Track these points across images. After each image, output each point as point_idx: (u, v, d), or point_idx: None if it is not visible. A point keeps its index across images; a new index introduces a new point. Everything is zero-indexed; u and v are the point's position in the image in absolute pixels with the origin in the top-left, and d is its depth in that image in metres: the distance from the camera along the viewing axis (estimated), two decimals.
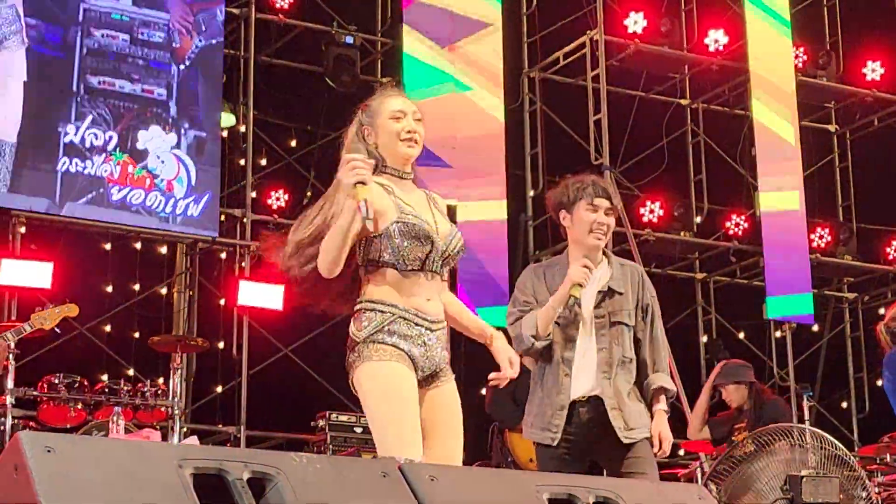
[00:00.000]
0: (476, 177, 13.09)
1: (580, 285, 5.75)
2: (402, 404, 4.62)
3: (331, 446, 10.96)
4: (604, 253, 6.07)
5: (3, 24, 11.39)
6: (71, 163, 11.45)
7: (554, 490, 3.74)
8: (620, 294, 5.95)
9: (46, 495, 2.94)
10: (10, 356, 9.37)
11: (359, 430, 11.06)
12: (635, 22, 14.31)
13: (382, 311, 4.72)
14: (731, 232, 14.85)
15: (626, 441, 5.75)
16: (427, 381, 4.77)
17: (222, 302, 12.92)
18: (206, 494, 3.21)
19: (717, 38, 14.91)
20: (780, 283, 14.14)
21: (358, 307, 4.79)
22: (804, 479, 6.88)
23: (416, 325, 4.72)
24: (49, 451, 3.04)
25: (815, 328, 15.28)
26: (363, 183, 4.55)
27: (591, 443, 5.81)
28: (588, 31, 14.21)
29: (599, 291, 5.92)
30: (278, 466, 3.35)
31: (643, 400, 5.90)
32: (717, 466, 7.84)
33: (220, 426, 12.64)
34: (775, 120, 14.61)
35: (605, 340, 5.88)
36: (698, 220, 15.00)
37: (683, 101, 15.71)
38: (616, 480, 4.16)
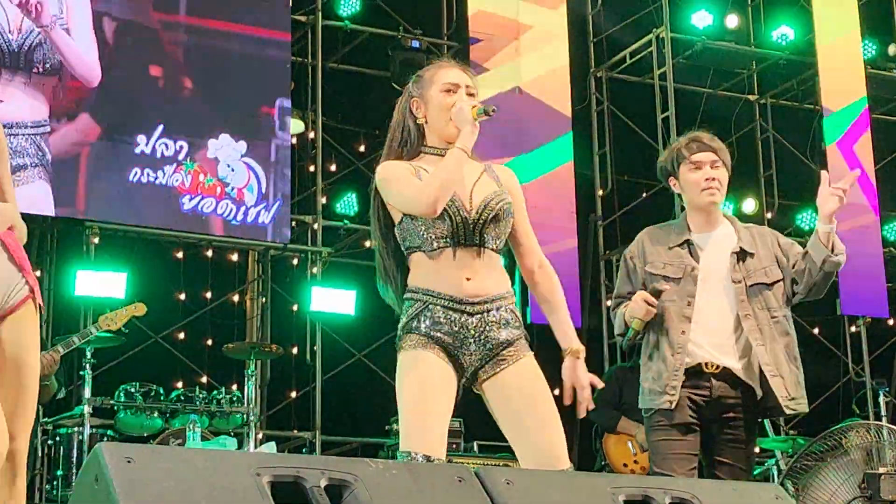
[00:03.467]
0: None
1: (641, 319, 5.51)
2: (423, 399, 4.43)
3: None
4: (727, 217, 5.80)
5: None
6: (143, 173, 11.54)
7: (630, 492, 3.74)
8: (752, 255, 5.62)
9: None
10: (88, 365, 9.48)
11: None
12: (701, 18, 14.26)
13: (416, 300, 4.54)
14: (803, 227, 14.74)
15: (788, 412, 5.47)
16: (485, 368, 4.54)
17: (295, 308, 12.98)
18: (284, 502, 3.24)
19: (784, 33, 14.83)
20: (853, 277, 14.00)
21: (405, 297, 4.63)
22: (882, 477, 6.82)
23: (451, 310, 4.49)
24: (129, 461, 3.08)
25: (891, 322, 15.13)
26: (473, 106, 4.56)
27: (716, 425, 5.53)
28: (654, 29, 14.17)
29: (732, 253, 5.62)
30: (355, 473, 3.37)
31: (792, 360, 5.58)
32: (793, 464, 7.80)
33: (295, 432, 12.71)
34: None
35: (747, 307, 5.54)
36: (769, 215, 14.89)
37: (752, 97, 15.63)
38: (692, 481, 4.15)
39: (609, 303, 6.10)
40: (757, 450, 12.09)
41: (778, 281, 5.64)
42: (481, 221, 4.56)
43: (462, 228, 4.54)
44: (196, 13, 12.21)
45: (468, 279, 4.53)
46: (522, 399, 4.52)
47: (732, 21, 14.56)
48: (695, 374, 5.54)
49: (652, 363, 5.62)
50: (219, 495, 3.13)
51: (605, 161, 14.51)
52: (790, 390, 5.50)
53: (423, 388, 4.44)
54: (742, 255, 5.63)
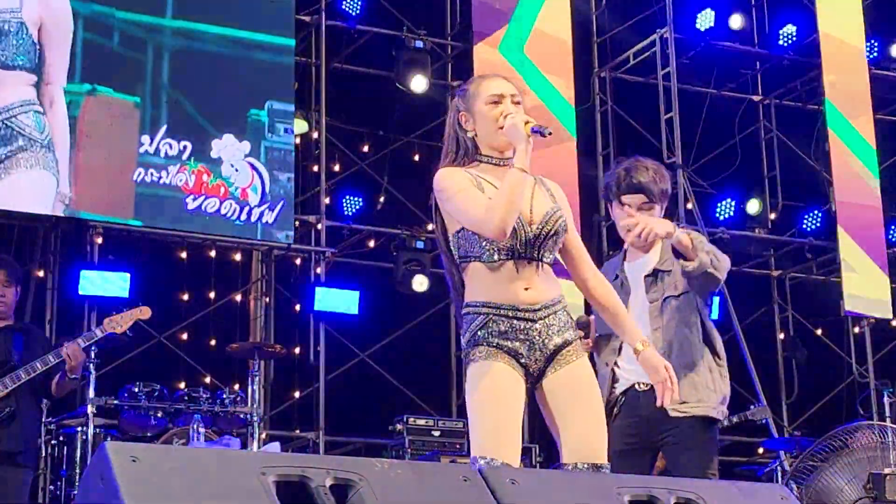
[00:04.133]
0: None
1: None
2: (496, 405, 4.53)
3: (409, 450, 10.97)
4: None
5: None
6: (146, 173, 11.53)
7: (635, 492, 3.73)
8: (668, 272, 5.68)
9: None
10: (91, 365, 9.46)
11: (437, 433, 11.09)
12: (705, 19, 14.25)
13: (478, 313, 4.62)
14: (806, 228, 14.73)
15: (672, 414, 5.50)
16: (544, 370, 4.63)
17: (298, 308, 12.97)
18: (289, 501, 3.23)
19: (788, 33, 14.82)
20: (856, 279, 14.00)
21: (463, 311, 4.71)
22: (887, 477, 6.82)
23: (515, 319, 4.59)
24: (134, 460, 3.08)
25: (895, 323, 15.11)
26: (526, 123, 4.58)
27: (655, 432, 5.60)
28: (658, 30, 14.16)
29: (646, 276, 5.70)
30: (360, 473, 3.37)
31: (709, 366, 5.64)
32: (798, 465, 7.79)
33: (298, 432, 12.70)
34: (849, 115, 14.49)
35: (658, 321, 5.64)
36: (773, 216, 14.88)
37: (755, 98, 15.62)
38: (697, 482, 4.14)
39: None
40: (760, 451, 12.15)
41: (686, 291, 5.69)
42: (542, 237, 4.66)
43: (524, 243, 4.63)
44: (190, 16, 12.18)
45: (526, 289, 4.63)
46: (571, 394, 4.63)
47: (736, 21, 14.53)
48: (630, 396, 5.66)
49: None
50: (224, 495, 3.13)
51: (608, 162, 14.48)
52: (680, 393, 5.43)
53: (496, 396, 4.54)
54: (657, 274, 5.72)
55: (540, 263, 4.67)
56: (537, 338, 4.61)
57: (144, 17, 11.97)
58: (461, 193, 4.62)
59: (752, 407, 9.68)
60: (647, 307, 5.68)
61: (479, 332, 4.60)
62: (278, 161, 12.18)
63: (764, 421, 9.90)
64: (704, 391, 5.60)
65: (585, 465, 4.53)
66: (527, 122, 4.59)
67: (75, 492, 9.31)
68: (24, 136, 11.07)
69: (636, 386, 5.62)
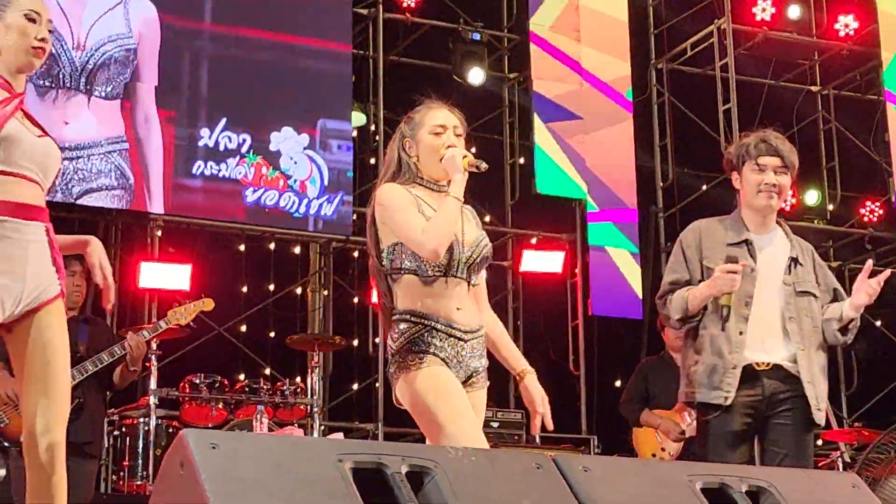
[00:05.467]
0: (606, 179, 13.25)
1: (728, 294, 5.50)
2: (458, 402, 4.68)
3: None
4: (779, 222, 5.85)
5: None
6: (206, 166, 11.61)
7: (706, 479, 3.74)
8: (802, 265, 5.71)
9: (213, 491, 3.01)
10: (153, 357, 9.52)
11: (495, 424, 11.09)
12: (763, 9, 14.19)
13: (414, 324, 4.77)
14: (865, 219, 14.64)
15: (815, 419, 5.54)
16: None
17: (356, 300, 13.01)
18: (365, 488, 3.26)
19: (846, 23, 14.72)
20: None
21: (393, 318, 4.85)
22: None
23: (449, 336, 4.76)
24: (214, 447, 3.12)
25: None
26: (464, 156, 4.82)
27: (771, 418, 5.57)
28: (715, 20, 14.11)
29: (789, 257, 5.71)
30: (435, 460, 3.39)
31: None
32: (867, 456, 7.77)
33: (357, 423, 12.73)
34: None
35: (793, 309, 5.62)
36: (831, 207, 14.80)
37: (814, 88, 15.52)
38: (769, 469, 4.15)
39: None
40: (819, 442, 12.07)
41: (817, 297, 5.74)
42: (472, 260, 4.87)
43: (456, 264, 4.82)
44: (256, 24, 12.26)
45: (458, 309, 4.82)
46: None
47: (794, 11, 14.46)
48: (748, 374, 5.57)
49: (702, 356, 5.64)
50: (303, 482, 3.16)
51: (665, 153, 14.46)
52: (819, 400, 5.58)
53: (456, 399, 4.70)
54: (794, 261, 5.72)
55: (469, 285, 4.87)
56: (464, 358, 4.79)
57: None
58: (402, 212, 4.81)
59: None
60: (781, 288, 5.66)
61: (415, 342, 4.74)
62: (333, 183, 12.24)
63: None
64: (823, 401, 5.65)
65: None
66: (464, 157, 4.82)
67: (137, 482, 9.38)
68: (108, 178, 11.23)
69: (756, 365, 5.57)
